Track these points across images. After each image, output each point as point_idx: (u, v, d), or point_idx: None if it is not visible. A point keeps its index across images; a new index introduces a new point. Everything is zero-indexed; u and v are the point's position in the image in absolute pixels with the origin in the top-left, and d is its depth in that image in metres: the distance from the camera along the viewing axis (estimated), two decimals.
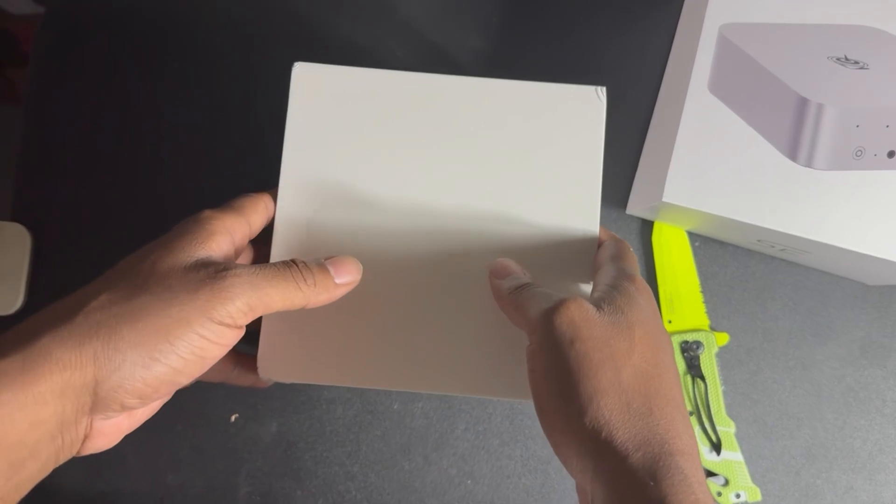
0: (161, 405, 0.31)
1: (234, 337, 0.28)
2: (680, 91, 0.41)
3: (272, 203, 0.34)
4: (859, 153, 0.39)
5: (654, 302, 0.30)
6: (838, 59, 0.40)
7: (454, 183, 0.34)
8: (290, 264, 0.29)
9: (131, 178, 0.45)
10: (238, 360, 0.35)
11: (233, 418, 0.42)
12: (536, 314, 0.28)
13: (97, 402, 0.25)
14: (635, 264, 0.32)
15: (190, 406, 0.42)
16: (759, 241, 0.42)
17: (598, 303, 0.28)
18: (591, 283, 0.33)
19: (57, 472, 0.41)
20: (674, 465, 0.25)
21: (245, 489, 0.41)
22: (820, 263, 0.43)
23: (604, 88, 0.34)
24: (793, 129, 0.39)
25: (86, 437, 0.26)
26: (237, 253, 0.32)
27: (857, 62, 0.40)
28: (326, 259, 0.31)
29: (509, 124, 0.34)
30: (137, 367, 0.25)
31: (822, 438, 0.43)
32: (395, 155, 0.34)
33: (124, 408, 0.26)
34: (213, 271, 0.27)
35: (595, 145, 0.34)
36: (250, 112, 0.45)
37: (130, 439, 0.42)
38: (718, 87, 0.40)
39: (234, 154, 0.44)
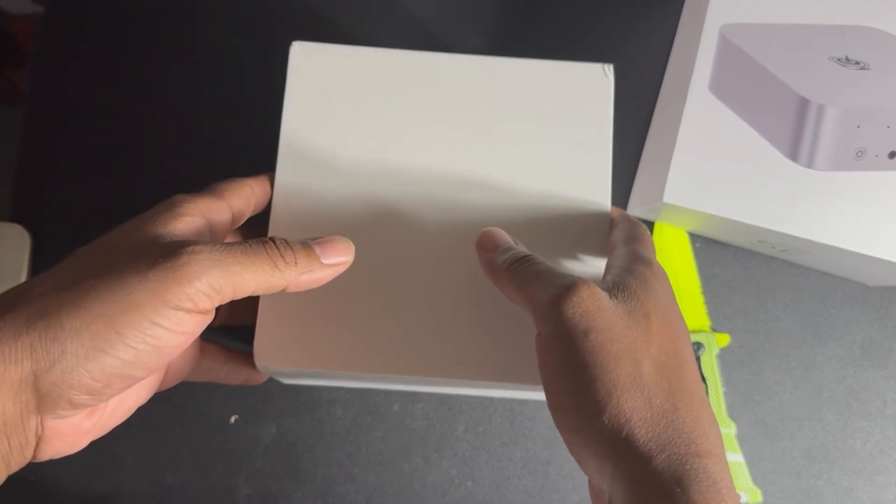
0: (135, 406, 0.29)
1: (196, 324, 0.25)
2: (681, 91, 0.41)
3: (261, 188, 0.32)
4: (860, 154, 0.38)
5: (671, 289, 0.28)
6: (839, 59, 0.40)
7: (458, 162, 0.33)
8: (267, 241, 0.26)
9: (132, 178, 0.45)
10: (228, 356, 0.33)
11: (232, 419, 0.42)
12: (543, 299, 0.26)
13: (42, 400, 0.22)
14: (651, 247, 0.30)
15: (189, 407, 0.42)
16: (759, 241, 0.42)
17: (611, 288, 0.26)
18: (603, 263, 0.32)
19: (55, 473, 0.42)
20: (701, 468, 0.23)
21: (245, 490, 0.41)
22: (821, 264, 0.43)
23: (611, 66, 0.34)
24: (794, 129, 0.39)
25: (39, 440, 0.24)
26: (217, 240, 0.29)
27: (858, 63, 0.40)
28: (313, 239, 0.28)
29: (514, 102, 0.33)
30: (80, 359, 0.22)
31: (822, 440, 0.43)
32: (397, 134, 0.33)
33: (74, 405, 0.23)
34: (169, 249, 0.24)
35: (604, 123, 0.33)
36: (253, 111, 0.45)
37: (130, 440, 0.42)
38: (719, 87, 0.40)
39: (237, 153, 0.44)
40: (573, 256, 0.32)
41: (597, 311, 0.25)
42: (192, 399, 0.42)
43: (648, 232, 0.31)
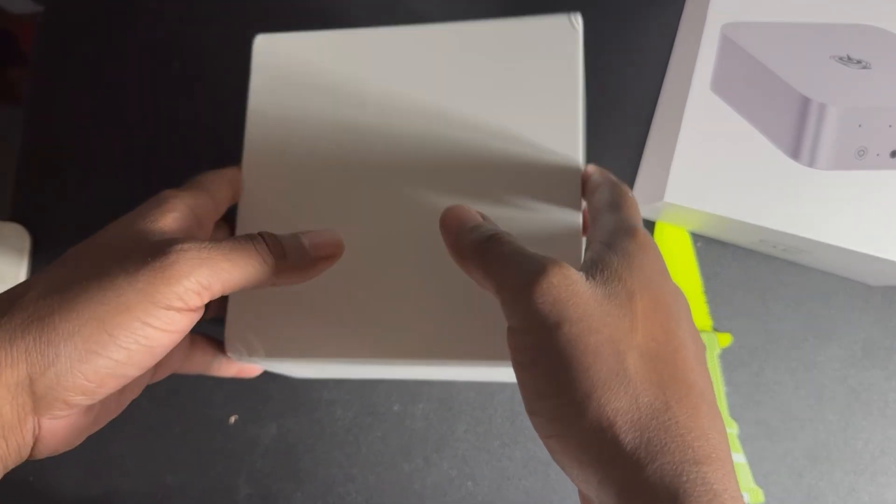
0: (129, 400, 0.29)
1: (187, 322, 0.25)
2: (682, 90, 0.41)
3: (238, 177, 0.32)
4: (862, 153, 0.38)
5: (661, 260, 0.24)
6: (841, 58, 0.40)
7: (428, 134, 0.32)
8: (254, 236, 0.26)
9: (131, 178, 0.45)
10: (218, 348, 0.33)
11: (232, 419, 0.42)
12: (512, 287, 0.23)
13: (38, 402, 0.23)
14: (636, 213, 0.27)
15: (189, 408, 0.42)
16: (761, 241, 0.41)
17: (589, 268, 0.23)
18: (575, 224, 0.30)
19: (55, 474, 0.41)
20: (700, 478, 0.20)
21: (245, 491, 0.41)
22: (822, 264, 0.43)
23: (578, 14, 0.32)
24: (795, 128, 0.38)
25: (36, 440, 0.24)
26: (205, 234, 0.30)
27: (859, 61, 0.39)
28: (303, 233, 0.28)
29: (482, 65, 0.32)
30: (74, 361, 0.23)
31: (824, 440, 0.43)
32: (362, 113, 0.32)
33: (70, 405, 0.24)
34: (157, 248, 0.24)
35: (572, 74, 0.31)
36: None
37: (129, 441, 0.42)
38: (721, 86, 0.40)
39: (237, 152, 0.44)
40: (545, 218, 0.30)
41: (569, 297, 0.22)
42: (192, 400, 0.42)
43: (631, 193, 0.28)
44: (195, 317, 0.25)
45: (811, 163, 0.38)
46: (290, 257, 0.26)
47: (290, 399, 0.42)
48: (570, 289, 0.22)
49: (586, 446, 0.21)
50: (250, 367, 0.35)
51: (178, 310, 0.24)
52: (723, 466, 0.20)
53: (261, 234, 0.26)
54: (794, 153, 0.39)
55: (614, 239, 0.24)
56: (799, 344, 0.43)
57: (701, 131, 0.39)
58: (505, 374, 0.39)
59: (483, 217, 0.27)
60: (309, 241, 0.27)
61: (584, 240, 0.30)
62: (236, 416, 0.42)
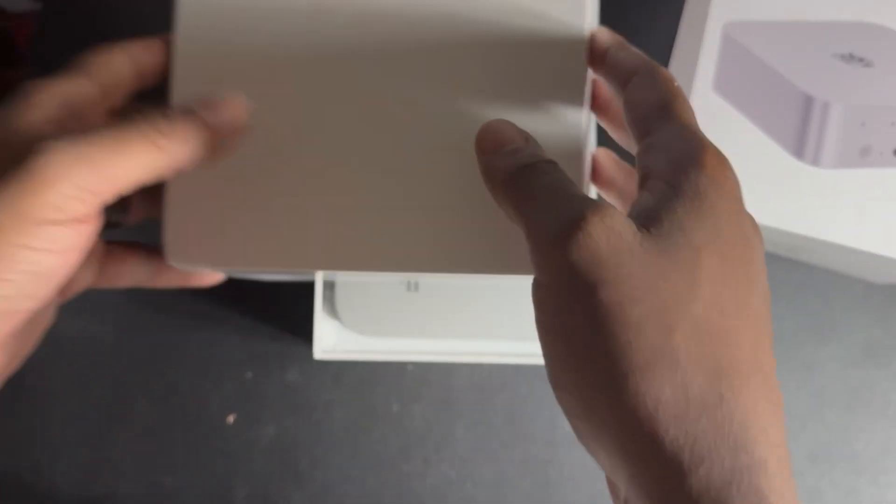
0: (44, 330, 0.25)
1: (77, 235, 0.21)
2: (683, 90, 0.40)
3: (148, 53, 0.26)
4: (865, 151, 0.38)
5: (737, 190, 0.20)
6: (843, 56, 0.39)
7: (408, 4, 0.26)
8: (136, 118, 0.21)
9: None
10: (147, 256, 0.28)
11: (230, 419, 0.42)
12: (542, 234, 0.19)
13: None
14: (693, 114, 0.22)
15: (186, 409, 0.42)
16: (765, 240, 0.41)
17: (642, 215, 0.19)
18: (578, 110, 0.25)
19: (52, 475, 0.41)
20: (753, 489, 0.16)
21: (243, 492, 0.41)
22: (825, 262, 0.43)
23: None
24: (798, 127, 0.38)
25: None
26: (86, 126, 0.24)
27: (862, 59, 0.39)
28: (193, 100, 0.23)
29: None
30: None
31: (825, 440, 0.42)
32: None
33: None
34: (19, 152, 0.20)
35: None
36: None
37: (127, 443, 0.42)
38: (723, 86, 0.39)
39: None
40: (544, 105, 0.25)
41: (611, 254, 0.17)
42: (190, 400, 0.42)
43: (676, 81, 0.22)
44: (87, 228, 0.21)
45: (815, 161, 0.38)
46: (182, 131, 0.22)
47: (288, 400, 0.42)
48: (614, 243, 0.18)
49: (619, 437, 0.17)
50: (201, 276, 0.30)
51: (60, 223, 0.20)
52: (780, 471, 0.18)
53: (143, 112, 0.22)
54: (798, 152, 0.38)
55: (679, 171, 0.19)
56: (799, 343, 0.43)
57: (704, 131, 0.39)
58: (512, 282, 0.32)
59: (526, 139, 0.22)
60: (204, 107, 0.23)
61: (589, 139, 0.26)
62: (234, 414, 0.42)
